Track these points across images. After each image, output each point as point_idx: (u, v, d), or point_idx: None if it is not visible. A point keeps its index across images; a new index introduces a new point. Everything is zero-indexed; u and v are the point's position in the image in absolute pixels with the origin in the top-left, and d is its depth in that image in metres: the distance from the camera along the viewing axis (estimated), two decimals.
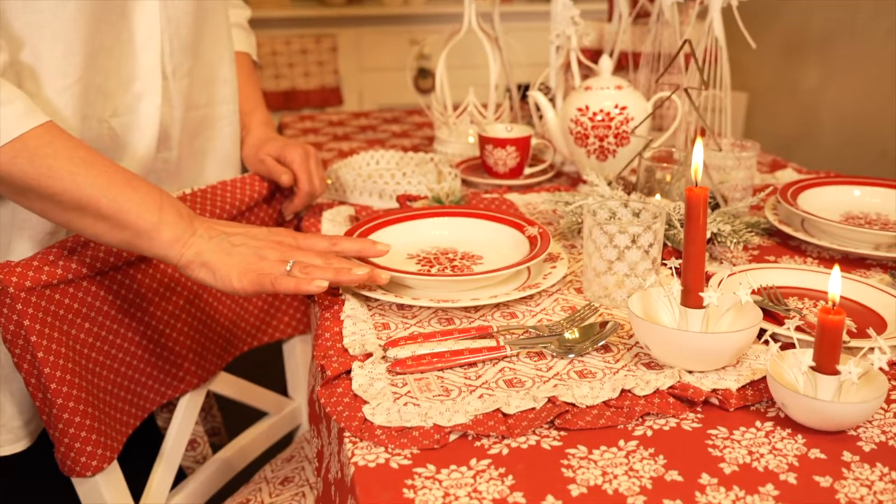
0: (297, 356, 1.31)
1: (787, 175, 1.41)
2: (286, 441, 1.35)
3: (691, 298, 0.76)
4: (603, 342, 0.81)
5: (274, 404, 1.29)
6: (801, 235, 1.07)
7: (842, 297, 0.90)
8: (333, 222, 1.18)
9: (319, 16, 3.52)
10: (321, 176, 1.19)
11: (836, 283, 0.68)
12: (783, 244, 1.10)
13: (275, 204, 1.21)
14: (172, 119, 1.06)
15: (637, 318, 0.76)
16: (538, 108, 1.41)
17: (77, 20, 0.90)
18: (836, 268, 0.69)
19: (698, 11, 1.43)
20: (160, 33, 1.00)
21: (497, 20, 1.59)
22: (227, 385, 1.19)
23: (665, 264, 1.01)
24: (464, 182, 1.37)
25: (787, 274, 0.95)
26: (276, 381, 1.36)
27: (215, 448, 1.25)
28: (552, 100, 1.50)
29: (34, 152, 0.81)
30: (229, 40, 1.17)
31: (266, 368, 1.44)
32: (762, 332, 0.81)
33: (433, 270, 0.96)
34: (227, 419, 1.35)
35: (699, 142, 0.77)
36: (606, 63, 1.28)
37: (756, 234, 1.10)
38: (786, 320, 0.73)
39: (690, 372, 0.76)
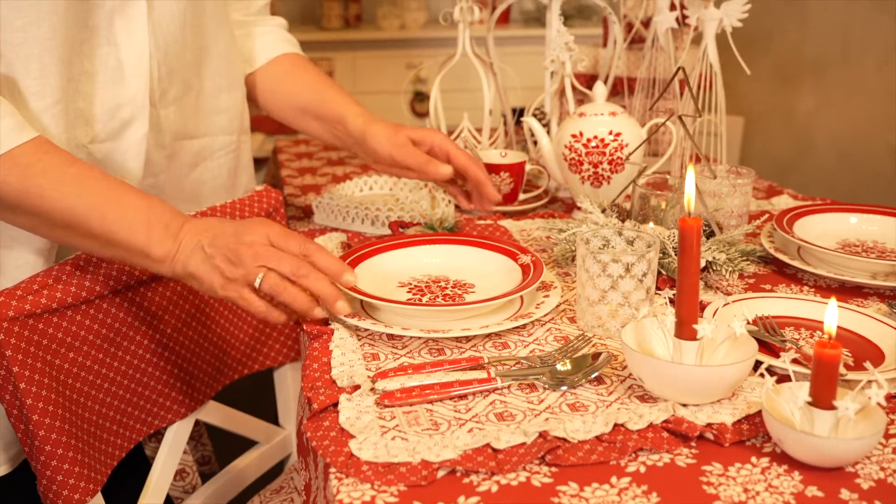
0: (288, 384, 1.29)
1: (784, 201, 1.40)
2: (277, 470, 1.33)
3: (685, 330, 0.75)
4: (595, 374, 0.79)
5: (264, 433, 1.27)
6: (797, 263, 1.05)
7: (838, 327, 0.89)
8: None
9: (316, 40, 3.53)
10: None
11: (832, 316, 0.66)
12: (779, 272, 1.09)
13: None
14: (158, 145, 1.04)
15: (630, 350, 0.75)
16: (533, 134, 1.41)
17: (52, 40, 0.89)
18: (833, 301, 0.67)
19: (693, 37, 1.43)
20: (149, 59, 0.99)
21: (491, 45, 1.58)
22: (216, 414, 1.17)
23: (659, 292, 1.00)
24: (457, 208, 1.36)
25: (783, 303, 0.94)
26: (266, 408, 1.34)
27: (205, 477, 1.23)
28: (547, 125, 1.50)
29: (25, 170, 0.81)
30: (232, 70, 1.14)
31: (256, 396, 1.42)
32: (758, 364, 0.80)
33: (424, 299, 0.95)
34: (218, 447, 1.33)
35: (691, 170, 0.76)
36: (601, 89, 1.28)
37: (751, 262, 1.09)
38: (781, 353, 0.72)
39: (685, 405, 0.75)
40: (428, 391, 0.77)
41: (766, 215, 1.22)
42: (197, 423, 1.21)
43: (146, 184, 1.04)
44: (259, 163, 3.06)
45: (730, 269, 1.00)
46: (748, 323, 0.89)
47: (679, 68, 1.12)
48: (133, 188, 0.88)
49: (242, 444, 1.27)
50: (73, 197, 0.83)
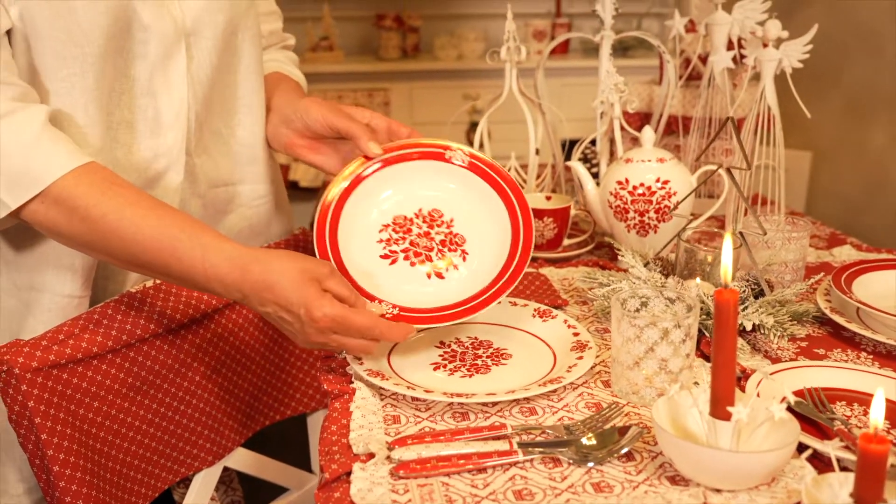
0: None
1: (846, 252, 1.32)
2: None
3: (720, 410, 0.70)
4: (624, 451, 0.75)
5: (295, 480, 1.25)
6: (854, 327, 0.98)
7: (894, 402, 0.82)
8: None
9: (373, 70, 3.55)
10: None
11: (878, 408, 0.60)
12: (835, 335, 1.01)
13: None
14: (194, 194, 1.04)
15: (661, 430, 0.70)
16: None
17: (96, 91, 0.90)
18: (880, 392, 0.61)
19: (752, 74, 1.37)
20: (188, 110, 0.99)
21: (541, 82, 1.55)
22: (245, 460, 1.15)
23: (701, 353, 0.94)
24: None
25: (836, 374, 0.87)
26: (300, 452, 1.32)
27: None
28: (596, 165, 1.45)
29: (86, 214, 0.83)
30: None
31: (290, 439, 1.41)
32: (804, 446, 0.74)
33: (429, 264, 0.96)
34: (250, 492, 1.32)
35: (728, 238, 0.71)
36: (649, 134, 1.23)
37: (804, 324, 1.03)
38: (826, 441, 0.66)
39: (719, 491, 0.69)
40: (445, 463, 0.73)
41: (822, 274, 1.14)
42: (226, 467, 1.20)
43: None
44: (312, 192, 3.08)
45: (778, 333, 0.94)
46: (796, 393, 0.83)
47: (728, 118, 1.06)
48: (185, 231, 0.85)
49: (274, 490, 1.25)
50: (132, 245, 0.84)
